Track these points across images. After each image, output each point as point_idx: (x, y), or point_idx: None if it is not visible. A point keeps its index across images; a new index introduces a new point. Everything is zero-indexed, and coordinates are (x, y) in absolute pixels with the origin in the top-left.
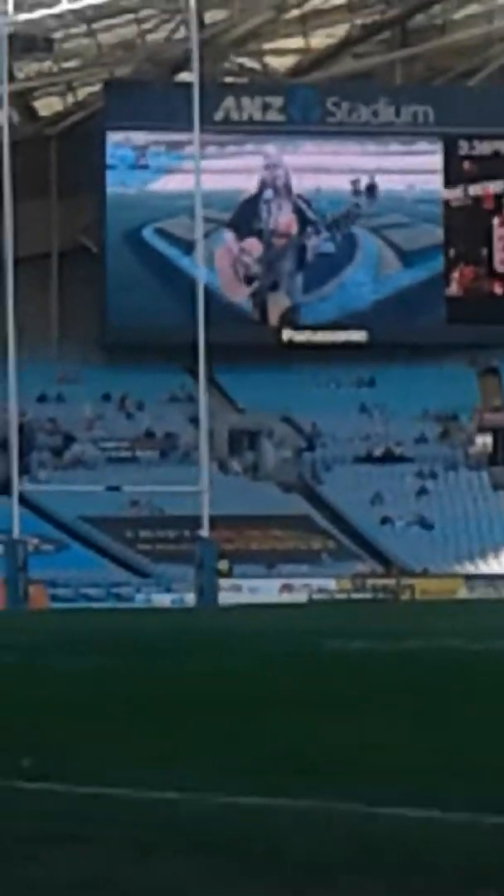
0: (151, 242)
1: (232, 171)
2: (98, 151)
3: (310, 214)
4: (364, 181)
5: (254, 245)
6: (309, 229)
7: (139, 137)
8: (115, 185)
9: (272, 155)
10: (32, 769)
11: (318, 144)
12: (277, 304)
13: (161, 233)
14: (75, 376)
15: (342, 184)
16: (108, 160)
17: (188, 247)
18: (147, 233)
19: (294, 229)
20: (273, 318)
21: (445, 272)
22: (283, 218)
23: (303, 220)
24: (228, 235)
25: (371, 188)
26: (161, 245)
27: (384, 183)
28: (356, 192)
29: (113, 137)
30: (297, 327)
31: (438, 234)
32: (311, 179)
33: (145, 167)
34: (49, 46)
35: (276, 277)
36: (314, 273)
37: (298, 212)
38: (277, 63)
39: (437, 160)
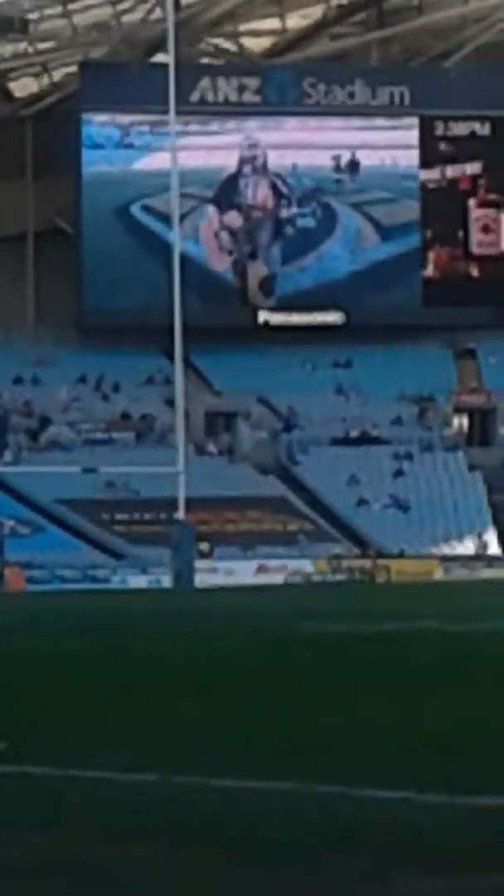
0: (140, 218)
1: (214, 147)
2: (74, 132)
3: (285, 190)
4: (346, 157)
5: (234, 218)
6: (283, 203)
7: (123, 118)
8: (99, 164)
9: (251, 133)
10: (7, 752)
11: (297, 122)
12: (256, 273)
13: (148, 209)
14: (51, 358)
15: (319, 160)
16: (95, 140)
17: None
18: (135, 209)
19: (270, 204)
20: (253, 287)
21: (421, 253)
22: (260, 193)
23: (279, 196)
24: (211, 210)
25: (353, 164)
26: (148, 220)
27: (363, 160)
28: (338, 168)
29: (98, 118)
30: (275, 300)
31: (415, 208)
32: (288, 157)
33: (130, 146)
34: (24, 27)
35: (255, 248)
36: (293, 245)
37: (275, 188)
38: (253, 44)
39: (413, 141)
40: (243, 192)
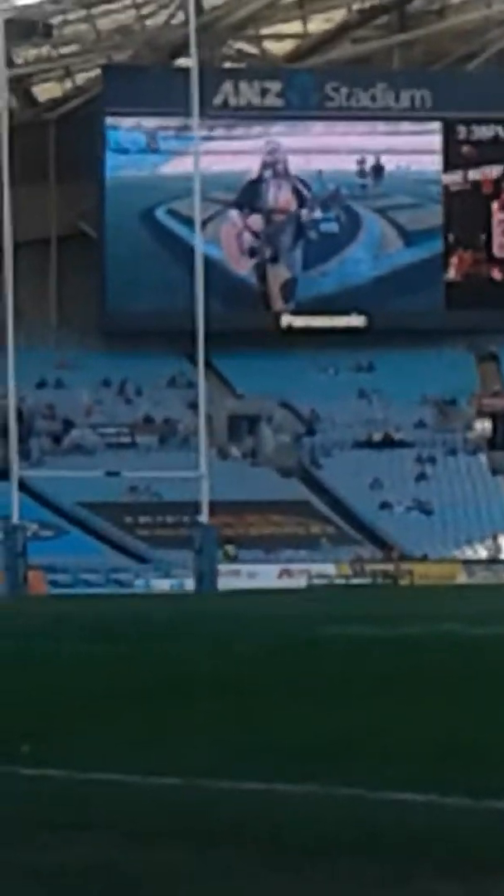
0: (164, 222)
1: (238, 152)
2: (97, 136)
3: (308, 194)
4: (370, 161)
5: (256, 221)
6: (306, 207)
7: (147, 122)
8: (122, 167)
9: (274, 137)
10: (31, 755)
11: (321, 127)
12: (277, 277)
13: (172, 213)
14: (74, 362)
15: (342, 164)
16: (119, 143)
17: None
18: (160, 213)
19: (293, 207)
20: (274, 290)
21: (444, 257)
22: (282, 197)
23: (301, 199)
24: (233, 213)
25: (377, 169)
26: (172, 224)
27: (386, 164)
28: (362, 173)
29: (122, 122)
30: (296, 303)
31: (438, 212)
32: (312, 161)
33: (154, 150)
34: (47, 32)
35: (276, 251)
36: (316, 250)
37: (297, 192)
38: (275, 48)
39: (436, 145)
40: (265, 196)
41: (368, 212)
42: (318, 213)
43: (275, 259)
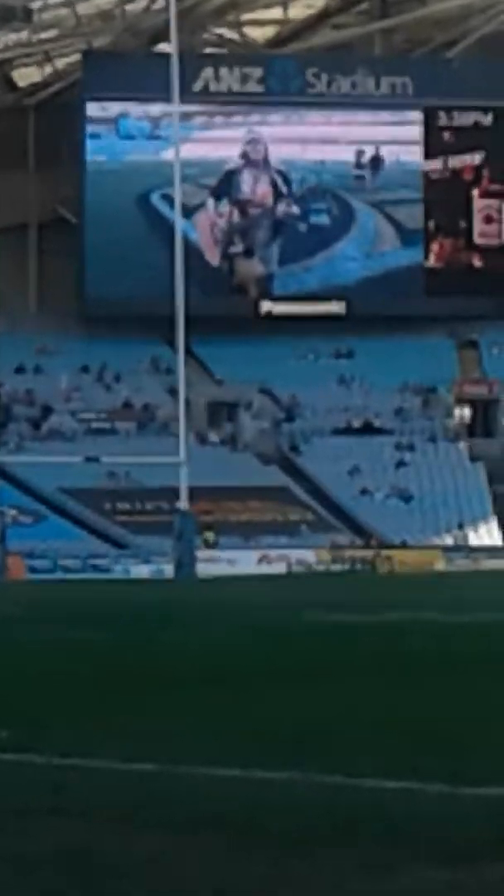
0: (144, 209)
1: (221, 140)
2: (77, 122)
3: (288, 186)
4: (368, 152)
5: (229, 213)
6: (287, 200)
7: (130, 108)
8: (107, 153)
9: (256, 126)
10: (10, 741)
11: (314, 116)
12: (251, 271)
13: (154, 199)
14: (53, 348)
15: (339, 154)
16: (101, 130)
17: (187, 212)
18: (140, 199)
19: (269, 200)
20: (248, 284)
21: (424, 244)
22: (259, 189)
23: (278, 192)
24: (210, 202)
25: (376, 160)
26: (153, 211)
27: (386, 156)
28: (359, 165)
29: (103, 107)
30: (272, 298)
31: (418, 198)
32: (306, 151)
33: (136, 136)
34: (27, 16)
35: (251, 245)
36: (301, 243)
37: (275, 184)
38: (256, 34)
39: (415, 132)
40: (241, 187)
41: (364, 206)
42: (303, 206)
43: (249, 253)
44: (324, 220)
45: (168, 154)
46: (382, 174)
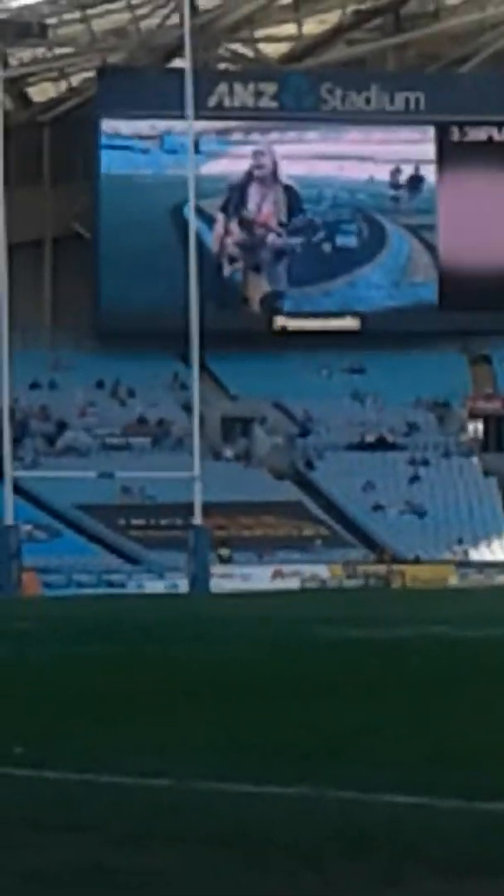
0: (159, 224)
1: (237, 156)
2: (91, 138)
3: (319, 204)
4: (406, 171)
5: (236, 230)
6: (300, 218)
7: (145, 124)
8: (121, 169)
9: (268, 143)
10: (25, 757)
11: (363, 132)
12: (258, 289)
13: (168, 215)
14: (68, 363)
15: (373, 173)
16: (116, 146)
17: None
18: (155, 215)
19: (274, 219)
20: (254, 301)
21: (437, 259)
22: (265, 207)
23: (290, 209)
24: (220, 217)
25: (415, 180)
26: (168, 226)
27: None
28: (395, 186)
29: (120, 124)
30: (286, 313)
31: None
32: (329, 167)
33: (151, 152)
34: (43, 32)
35: (257, 263)
36: (320, 264)
37: (286, 201)
38: (270, 50)
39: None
40: (247, 205)
41: (397, 228)
42: (329, 225)
43: (256, 269)
44: (350, 241)
45: (183, 170)
46: (420, 196)
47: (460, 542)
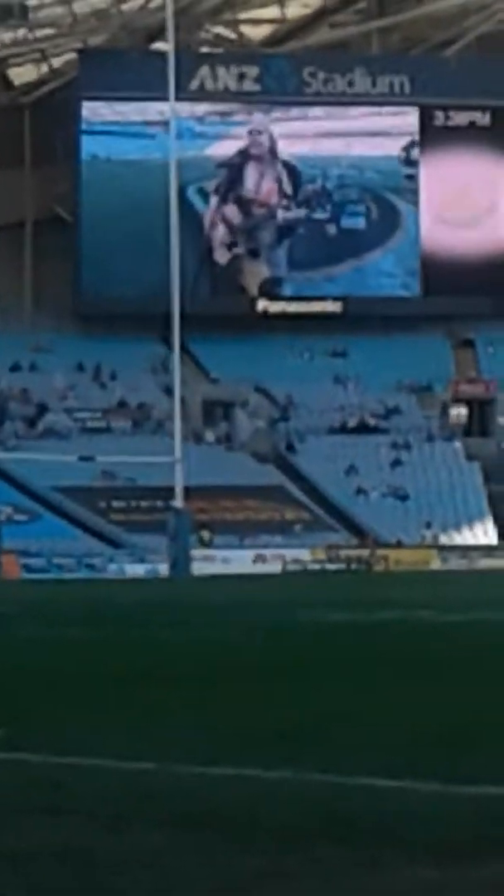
0: (139, 206)
1: (224, 137)
2: (72, 120)
3: (326, 184)
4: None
5: (233, 212)
6: (301, 198)
7: (126, 106)
8: (102, 151)
9: (263, 121)
10: (6, 740)
11: (369, 115)
12: (255, 274)
13: (149, 197)
14: (49, 346)
15: (379, 149)
16: (96, 128)
17: (190, 210)
18: (135, 197)
19: (274, 198)
20: (251, 287)
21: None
22: (265, 186)
23: (294, 188)
24: (213, 200)
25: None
26: (149, 208)
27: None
28: (408, 161)
29: (101, 106)
30: (269, 297)
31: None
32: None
33: (133, 134)
34: (24, 14)
35: (256, 246)
36: (324, 248)
37: (286, 179)
38: (253, 32)
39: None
40: (244, 184)
41: (411, 208)
42: (335, 206)
43: (254, 253)
44: (358, 223)
45: (162, 152)
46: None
47: (442, 526)
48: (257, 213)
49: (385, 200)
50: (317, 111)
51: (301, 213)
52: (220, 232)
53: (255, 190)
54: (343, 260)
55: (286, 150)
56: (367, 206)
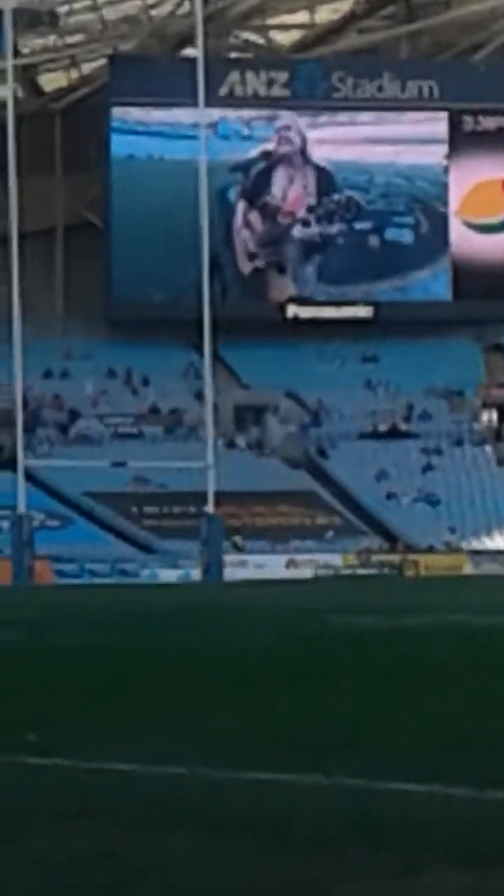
0: (172, 212)
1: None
2: (103, 126)
3: (367, 192)
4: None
5: (257, 220)
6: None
7: (156, 112)
8: (133, 157)
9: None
10: (38, 744)
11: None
12: (282, 291)
13: (181, 202)
14: (80, 352)
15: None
16: (127, 134)
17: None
18: (168, 203)
19: (302, 208)
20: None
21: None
22: (292, 194)
23: (324, 196)
24: (240, 206)
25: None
26: (181, 214)
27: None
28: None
29: (131, 112)
30: (299, 302)
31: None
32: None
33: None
34: (54, 21)
35: (281, 260)
36: (364, 261)
37: (318, 187)
38: (282, 38)
39: (441, 135)
40: (270, 191)
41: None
42: (377, 216)
43: (280, 269)
44: (405, 236)
45: (193, 157)
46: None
47: (474, 530)
48: (283, 222)
49: (435, 212)
50: (349, 116)
51: (334, 227)
52: (244, 240)
53: (282, 196)
54: (383, 277)
55: (318, 153)
56: (415, 217)
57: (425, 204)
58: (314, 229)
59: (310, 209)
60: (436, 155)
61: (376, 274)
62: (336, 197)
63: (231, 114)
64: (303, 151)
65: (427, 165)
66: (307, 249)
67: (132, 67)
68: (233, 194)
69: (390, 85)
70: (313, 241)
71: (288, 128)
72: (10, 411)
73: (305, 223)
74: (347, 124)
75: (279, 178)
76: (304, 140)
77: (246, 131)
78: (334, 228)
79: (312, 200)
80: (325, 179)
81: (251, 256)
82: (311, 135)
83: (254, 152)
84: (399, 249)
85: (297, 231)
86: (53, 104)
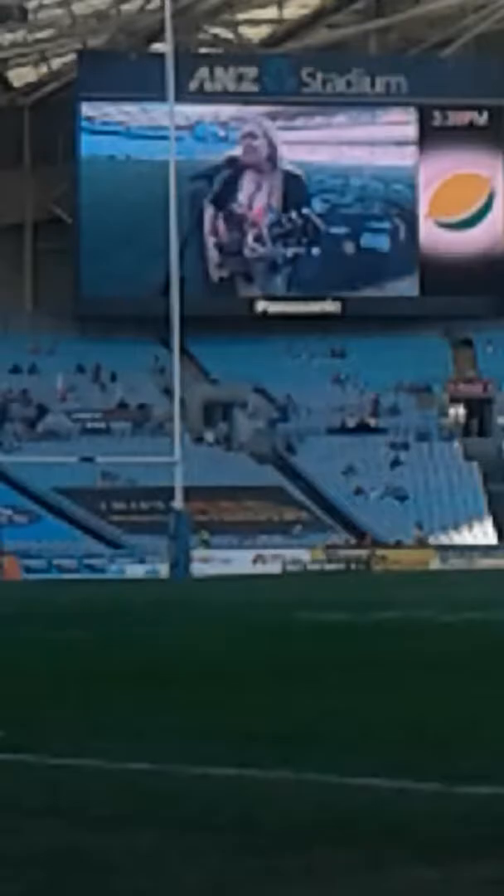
0: (139, 208)
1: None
2: (72, 121)
3: (342, 195)
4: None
5: (222, 227)
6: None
7: (125, 107)
8: (102, 153)
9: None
10: (4, 741)
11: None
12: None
13: (148, 198)
14: (49, 347)
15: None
16: (96, 129)
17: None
18: (134, 198)
19: (267, 216)
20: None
21: (417, 243)
22: (258, 201)
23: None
24: (209, 209)
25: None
26: (148, 210)
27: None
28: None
29: (100, 107)
30: (268, 297)
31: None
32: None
33: (132, 136)
34: (23, 16)
35: (248, 270)
36: (335, 270)
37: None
38: (251, 33)
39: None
40: (236, 197)
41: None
42: (352, 222)
43: (248, 278)
44: (381, 243)
45: (161, 154)
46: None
47: (441, 525)
48: (250, 232)
49: (410, 213)
50: (323, 118)
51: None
52: (211, 248)
53: (248, 204)
54: (358, 288)
55: (289, 156)
56: (392, 222)
57: (401, 208)
58: (279, 249)
59: (276, 223)
60: (411, 156)
61: (351, 286)
62: (304, 211)
63: (208, 114)
64: (270, 157)
65: (401, 167)
66: (272, 265)
67: (101, 62)
68: (200, 196)
69: (360, 80)
70: (281, 258)
71: (254, 135)
72: None
73: (274, 239)
74: (322, 127)
75: (246, 182)
76: (272, 145)
77: (222, 132)
78: (301, 248)
79: (277, 213)
80: (295, 186)
81: (219, 266)
82: (282, 136)
83: (222, 157)
84: (376, 257)
85: (264, 248)
86: (22, 99)
